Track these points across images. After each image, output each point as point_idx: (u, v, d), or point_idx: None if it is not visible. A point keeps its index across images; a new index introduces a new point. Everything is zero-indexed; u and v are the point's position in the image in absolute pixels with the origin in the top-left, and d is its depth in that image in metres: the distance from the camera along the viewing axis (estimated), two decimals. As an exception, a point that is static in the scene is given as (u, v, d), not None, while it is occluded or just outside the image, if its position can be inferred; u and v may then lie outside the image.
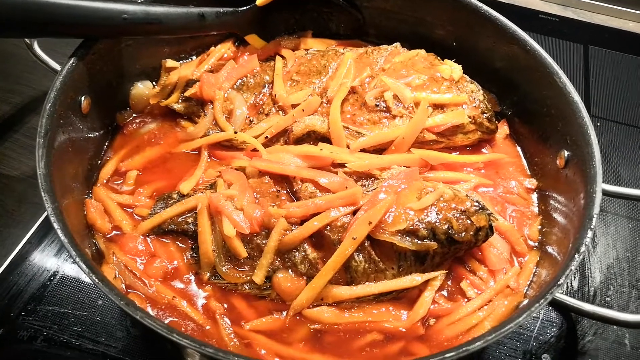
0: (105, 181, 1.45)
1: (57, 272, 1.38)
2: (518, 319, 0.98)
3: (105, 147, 1.54)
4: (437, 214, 1.28)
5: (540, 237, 1.41)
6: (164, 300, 1.23)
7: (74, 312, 1.31)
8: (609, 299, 1.45)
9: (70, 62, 1.34)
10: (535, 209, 1.48)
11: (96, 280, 0.98)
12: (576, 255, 1.09)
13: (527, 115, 1.59)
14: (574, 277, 1.49)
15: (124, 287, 1.25)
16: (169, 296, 1.24)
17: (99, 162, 1.50)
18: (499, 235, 1.40)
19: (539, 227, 1.44)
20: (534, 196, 1.51)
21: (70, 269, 1.40)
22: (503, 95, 1.67)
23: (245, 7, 1.64)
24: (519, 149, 1.63)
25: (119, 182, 1.46)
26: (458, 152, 1.59)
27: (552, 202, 1.44)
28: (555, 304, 1.10)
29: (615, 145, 1.81)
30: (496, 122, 1.61)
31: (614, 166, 1.76)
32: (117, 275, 1.26)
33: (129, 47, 1.55)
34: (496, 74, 1.66)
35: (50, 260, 1.41)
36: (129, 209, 1.40)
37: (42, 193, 1.08)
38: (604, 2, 2.30)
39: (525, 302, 1.17)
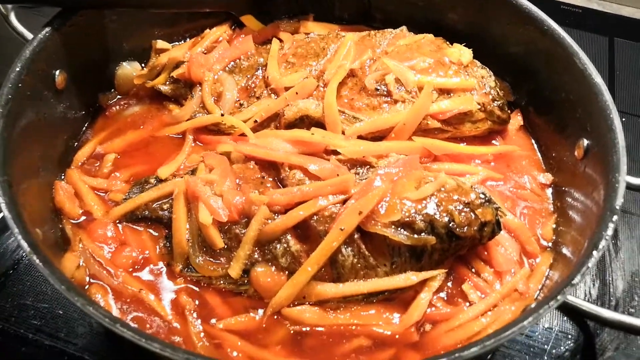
0: (80, 164, 1.35)
1: (21, 261, 1.28)
2: (523, 322, 0.84)
3: (84, 128, 1.44)
4: (437, 205, 1.14)
5: (554, 237, 1.27)
6: (129, 292, 1.12)
7: (34, 303, 1.21)
8: (633, 309, 1.29)
9: (43, 31, 1.25)
10: (550, 207, 1.33)
11: (37, 261, 0.87)
12: (594, 252, 0.94)
13: (543, 104, 1.45)
14: (594, 285, 1.33)
15: (87, 277, 1.14)
16: (136, 288, 1.13)
17: (76, 144, 1.40)
18: (508, 234, 1.26)
19: (554, 226, 1.29)
20: (549, 192, 1.36)
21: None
22: (517, 83, 1.53)
23: (241, -16, 1.53)
24: (533, 141, 1.48)
25: (96, 165, 1.36)
26: (465, 143, 1.44)
27: (568, 198, 1.29)
28: (569, 309, 0.94)
29: (642, 140, 1.65)
30: (509, 111, 1.47)
31: (640, 162, 1.60)
32: (82, 264, 1.15)
33: (113, 24, 1.46)
34: (510, 60, 1.52)
35: (14, 248, 1.30)
36: (102, 194, 1.30)
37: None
38: (632, -8, 2.14)
39: (534, 305, 1.01)
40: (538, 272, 1.20)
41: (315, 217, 1.14)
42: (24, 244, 0.89)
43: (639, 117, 1.73)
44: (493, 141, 1.47)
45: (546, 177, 1.38)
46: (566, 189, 1.31)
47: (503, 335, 0.83)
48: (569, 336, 1.23)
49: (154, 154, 1.39)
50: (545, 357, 1.20)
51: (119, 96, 1.52)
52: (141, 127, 1.45)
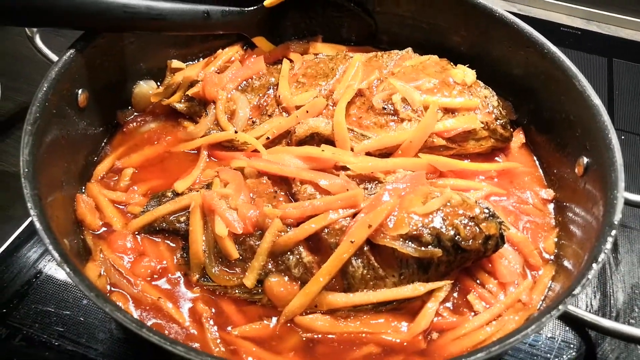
0: (100, 178, 1.41)
1: (43, 270, 1.33)
2: (526, 330, 0.88)
3: (103, 144, 1.50)
4: (443, 219, 1.19)
5: (556, 250, 1.31)
6: (148, 300, 1.16)
7: (57, 310, 1.25)
8: (633, 320, 1.33)
9: (68, 53, 1.31)
10: (552, 221, 1.38)
11: (68, 270, 0.92)
12: (594, 265, 0.98)
13: (544, 123, 1.50)
14: (595, 296, 1.37)
15: (108, 286, 1.19)
16: (154, 297, 1.17)
17: (96, 158, 1.46)
18: (511, 247, 1.30)
19: (556, 239, 1.34)
20: (551, 207, 1.41)
21: (57, 267, 1.35)
22: (519, 103, 1.59)
23: (252, 8, 1.60)
24: (535, 158, 1.54)
25: (115, 179, 1.42)
26: (469, 160, 1.50)
27: (569, 213, 1.34)
28: (571, 319, 0.99)
29: (640, 158, 1.70)
30: (511, 129, 1.53)
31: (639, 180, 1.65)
32: (103, 273, 1.20)
33: (132, 45, 1.53)
34: (512, 81, 1.58)
35: (37, 258, 1.35)
36: (121, 207, 1.35)
37: (22, 179, 1.04)
38: (629, 15, 2.21)
39: (536, 314, 1.06)
40: (541, 283, 1.24)
41: (326, 230, 1.19)
42: (56, 254, 0.94)
43: (637, 135, 1.78)
44: (496, 158, 1.52)
45: (548, 193, 1.43)
46: (567, 204, 1.36)
47: (507, 342, 0.87)
48: (572, 345, 1.27)
49: (170, 169, 1.45)
50: (548, 367, 1.24)
51: (135, 113, 1.58)
52: (157, 142, 1.51)
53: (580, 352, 1.26)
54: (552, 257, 1.30)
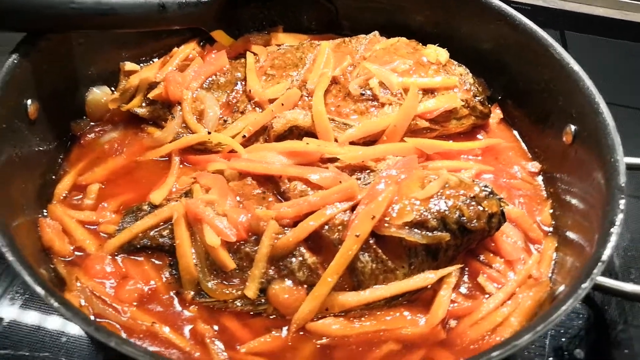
0: (62, 197, 1.26)
1: (2, 318, 1.16)
2: (565, 305, 0.85)
3: (60, 160, 1.34)
4: (445, 202, 1.15)
5: (553, 222, 1.30)
6: (141, 327, 1.04)
7: (32, 353, 1.10)
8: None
9: (11, 59, 1.16)
10: (544, 193, 1.38)
11: (56, 304, 0.79)
12: (612, 229, 0.97)
13: (521, 96, 1.50)
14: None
15: (92, 317, 1.05)
16: (147, 322, 1.05)
17: (54, 177, 1.30)
18: (510, 223, 1.27)
19: (550, 211, 1.33)
20: (540, 179, 1.40)
21: (22, 308, 1.19)
22: (492, 78, 1.58)
23: (209, -1, 1.49)
24: (515, 132, 1.52)
25: (79, 197, 1.27)
26: (452, 140, 1.46)
27: (560, 183, 1.33)
28: (594, 288, 0.96)
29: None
30: (489, 106, 1.51)
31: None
32: (83, 304, 1.06)
33: (80, 47, 1.39)
34: (482, 57, 1.56)
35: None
36: (92, 227, 1.21)
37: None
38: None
39: (562, 288, 1.03)
40: (546, 256, 1.22)
41: (326, 227, 1.12)
42: (38, 289, 0.81)
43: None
44: (478, 136, 1.50)
45: (534, 166, 1.43)
46: (557, 174, 1.35)
47: (552, 318, 0.84)
48: (580, 315, 1.27)
49: (140, 180, 1.32)
50: (562, 338, 1.23)
51: (92, 123, 1.43)
52: (120, 153, 1.37)
53: (590, 321, 1.25)
54: (550, 229, 1.29)
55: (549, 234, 1.29)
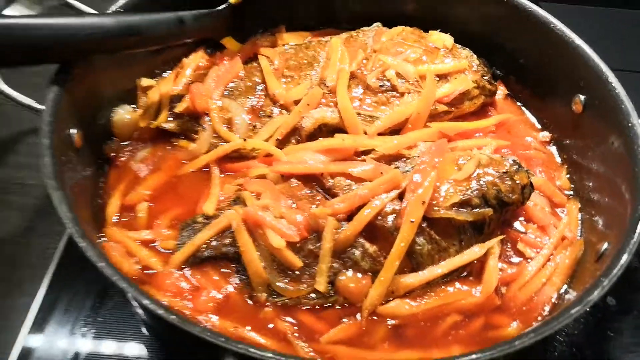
0: (115, 221, 1.28)
1: (79, 352, 1.20)
2: (621, 260, 0.96)
3: (101, 183, 1.36)
4: (483, 180, 1.24)
5: (572, 185, 1.42)
6: (227, 333, 1.10)
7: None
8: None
9: (53, 89, 1.17)
10: (558, 159, 1.49)
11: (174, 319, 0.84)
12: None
13: (523, 72, 1.60)
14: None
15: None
16: (231, 328, 1.11)
17: (99, 200, 1.32)
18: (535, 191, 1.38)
19: (567, 175, 1.44)
20: (552, 148, 1.52)
21: (96, 338, 1.23)
22: (491, 58, 1.66)
23: (220, 7, 1.52)
24: (521, 105, 1.63)
25: (130, 217, 1.30)
26: (466, 120, 1.56)
27: (574, 149, 1.45)
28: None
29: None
30: (495, 83, 1.61)
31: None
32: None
33: (102, 69, 1.39)
34: (479, 38, 1.64)
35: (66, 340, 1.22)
36: (151, 244, 1.25)
37: (75, 236, 0.92)
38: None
39: (606, 245, 1.15)
40: (572, 218, 1.34)
41: (379, 217, 1.20)
42: (157, 309, 0.85)
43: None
44: (489, 113, 1.60)
45: (544, 135, 1.54)
46: (569, 141, 1.46)
47: (613, 273, 0.95)
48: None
49: (185, 193, 1.35)
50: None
51: (121, 143, 1.45)
52: (157, 169, 1.40)
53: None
54: (571, 193, 1.41)
55: (570, 197, 1.41)
